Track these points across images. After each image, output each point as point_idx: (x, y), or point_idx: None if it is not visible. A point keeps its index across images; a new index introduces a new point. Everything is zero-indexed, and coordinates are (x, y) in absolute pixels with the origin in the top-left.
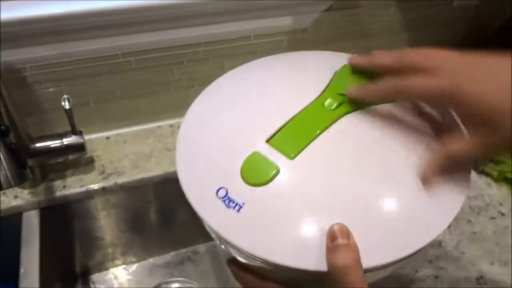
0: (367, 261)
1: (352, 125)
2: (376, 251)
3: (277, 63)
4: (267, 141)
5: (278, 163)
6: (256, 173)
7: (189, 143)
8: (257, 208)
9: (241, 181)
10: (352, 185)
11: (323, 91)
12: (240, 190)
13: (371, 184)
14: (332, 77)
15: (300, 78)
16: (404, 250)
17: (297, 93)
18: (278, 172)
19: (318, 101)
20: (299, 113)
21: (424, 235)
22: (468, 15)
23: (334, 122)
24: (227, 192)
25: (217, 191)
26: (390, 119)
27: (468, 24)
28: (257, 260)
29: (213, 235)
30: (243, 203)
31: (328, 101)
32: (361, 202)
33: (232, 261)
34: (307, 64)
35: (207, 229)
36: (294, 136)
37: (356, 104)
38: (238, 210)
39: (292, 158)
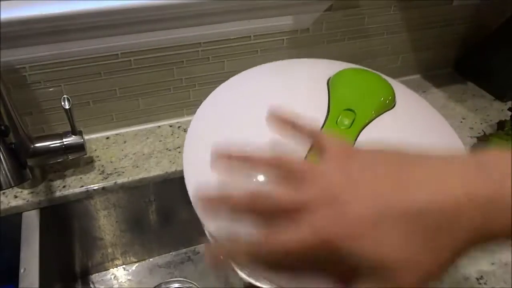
0: None
1: (372, 141)
2: None
3: (267, 73)
4: None
5: None
6: None
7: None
8: None
9: None
10: None
11: (328, 106)
12: None
13: None
14: (328, 88)
15: (299, 92)
16: None
17: (304, 109)
18: None
19: (330, 120)
20: None
21: None
22: (468, 15)
23: (354, 141)
24: None
25: None
26: (400, 126)
27: (468, 24)
28: None
29: None
30: None
31: (340, 119)
32: None
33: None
34: (299, 74)
35: None
36: None
37: (366, 117)
38: None
39: None
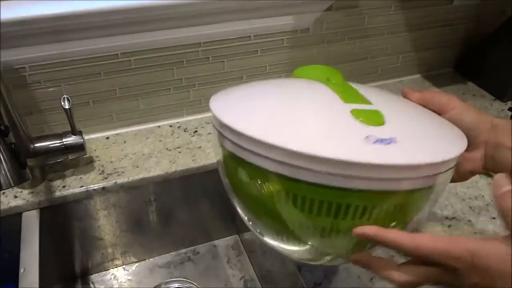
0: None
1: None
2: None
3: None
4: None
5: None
6: (374, 118)
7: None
8: (401, 135)
9: (371, 126)
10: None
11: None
12: (380, 132)
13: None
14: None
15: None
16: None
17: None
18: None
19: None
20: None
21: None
22: (468, 15)
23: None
24: (372, 137)
25: (366, 139)
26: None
27: (468, 24)
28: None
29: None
30: (392, 138)
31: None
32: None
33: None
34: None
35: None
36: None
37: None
38: (392, 143)
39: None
